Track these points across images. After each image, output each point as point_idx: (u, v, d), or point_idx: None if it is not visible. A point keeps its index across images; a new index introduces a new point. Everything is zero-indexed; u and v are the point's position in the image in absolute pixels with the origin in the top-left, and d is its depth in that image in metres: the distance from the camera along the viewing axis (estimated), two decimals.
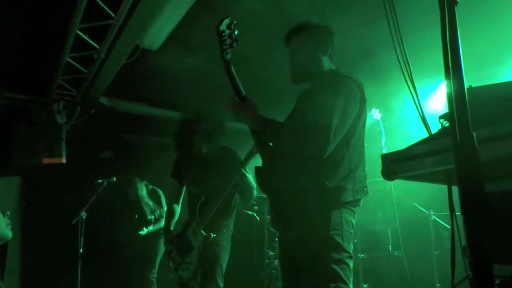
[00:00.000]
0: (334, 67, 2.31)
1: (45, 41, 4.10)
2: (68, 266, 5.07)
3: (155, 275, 5.02)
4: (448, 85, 0.81)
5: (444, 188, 1.56)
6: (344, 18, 3.43)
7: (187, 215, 3.50)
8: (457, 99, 0.79)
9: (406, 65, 1.59)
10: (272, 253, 4.87)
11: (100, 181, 5.07)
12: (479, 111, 1.07)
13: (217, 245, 3.28)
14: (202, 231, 3.22)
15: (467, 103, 0.80)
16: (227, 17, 2.18)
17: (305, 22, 2.31)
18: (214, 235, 3.23)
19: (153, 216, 5.18)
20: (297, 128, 2.09)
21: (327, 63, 2.29)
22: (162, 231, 5.02)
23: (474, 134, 0.79)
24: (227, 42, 2.16)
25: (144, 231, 5.05)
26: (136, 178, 5.32)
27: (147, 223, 5.14)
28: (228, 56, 2.18)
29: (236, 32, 2.17)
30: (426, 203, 4.61)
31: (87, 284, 4.96)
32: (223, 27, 2.15)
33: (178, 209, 3.61)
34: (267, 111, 2.29)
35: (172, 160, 3.72)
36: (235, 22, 2.18)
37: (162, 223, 5.03)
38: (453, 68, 0.79)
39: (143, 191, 5.28)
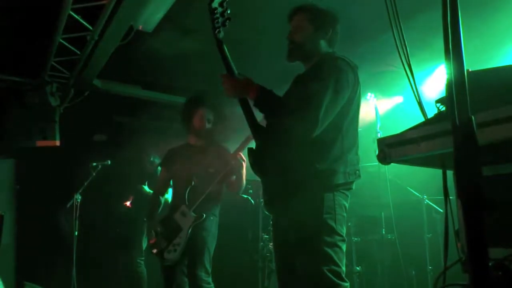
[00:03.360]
0: (331, 51, 2.30)
1: (38, 22, 4.03)
2: (63, 249, 5.08)
3: (143, 257, 5.04)
4: (448, 68, 0.81)
5: (437, 172, 1.56)
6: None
7: (172, 201, 3.52)
8: (457, 82, 0.79)
9: (404, 48, 1.58)
10: (267, 236, 4.90)
11: (94, 164, 5.06)
12: (476, 95, 1.07)
13: (204, 230, 3.30)
14: (193, 213, 3.24)
15: (467, 86, 0.79)
16: None
17: (311, 4, 2.32)
18: (205, 215, 3.26)
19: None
20: (288, 107, 2.09)
21: (324, 46, 2.29)
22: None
23: (473, 117, 0.79)
24: (219, 21, 2.14)
25: (146, 187, 5.07)
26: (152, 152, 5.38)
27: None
28: (221, 35, 2.15)
29: (228, 11, 2.14)
30: (419, 187, 4.64)
31: (82, 267, 4.98)
32: (215, 4, 2.12)
33: (162, 200, 3.63)
34: None
35: (165, 142, 3.73)
36: (227, 0, 2.15)
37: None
38: (453, 50, 0.79)
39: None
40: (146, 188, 5.15)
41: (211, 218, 3.38)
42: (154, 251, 3.31)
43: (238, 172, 3.24)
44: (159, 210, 3.62)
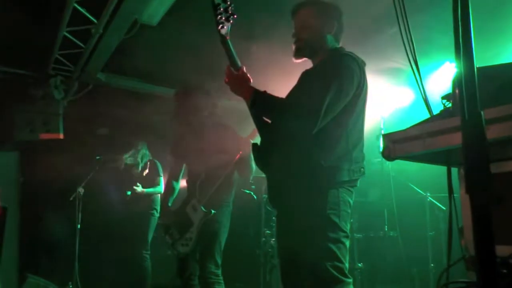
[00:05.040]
0: (338, 46, 2.29)
1: (43, 15, 4.03)
2: (66, 242, 5.10)
3: (148, 251, 5.05)
4: (458, 63, 0.80)
5: (440, 170, 1.56)
6: None
7: (186, 192, 3.52)
8: (467, 77, 0.78)
9: (410, 45, 1.58)
10: (269, 232, 4.91)
11: (98, 157, 5.07)
12: (483, 91, 1.06)
13: (216, 222, 3.29)
14: (202, 207, 3.24)
15: (477, 81, 0.79)
16: None
17: None
18: (214, 211, 3.25)
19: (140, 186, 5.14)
20: (289, 102, 2.08)
21: (331, 41, 2.27)
22: (155, 206, 5.08)
23: (482, 113, 0.79)
24: (223, 16, 2.13)
25: (139, 187, 5.01)
26: (139, 142, 5.32)
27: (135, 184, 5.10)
28: (224, 31, 2.14)
29: (232, 6, 2.13)
30: (422, 184, 4.63)
31: (85, 260, 5.00)
32: (218, 0, 2.11)
33: (177, 186, 3.62)
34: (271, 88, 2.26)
35: (170, 137, 3.72)
36: None
37: (158, 189, 5.06)
38: (463, 45, 0.78)
39: (142, 157, 5.27)
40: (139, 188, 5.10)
41: (224, 209, 3.36)
42: (169, 242, 3.34)
43: (247, 157, 3.20)
44: (174, 196, 3.62)
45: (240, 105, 2.51)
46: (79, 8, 3.74)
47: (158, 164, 5.37)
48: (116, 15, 3.79)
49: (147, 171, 5.19)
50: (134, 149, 5.27)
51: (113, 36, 4.17)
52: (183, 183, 3.70)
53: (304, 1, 2.31)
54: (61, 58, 4.72)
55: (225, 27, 2.13)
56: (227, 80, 2.21)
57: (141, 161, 5.26)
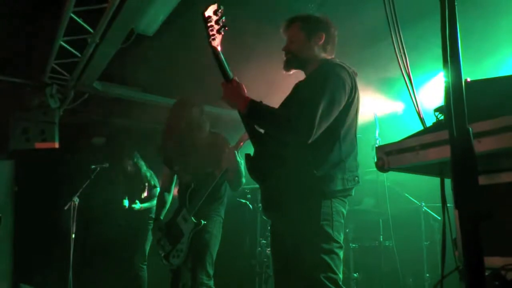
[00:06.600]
0: (328, 57, 2.31)
1: (39, 24, 4.04)
2: (60, 252, 5.06)
3: (145, 262, 5.02)
4: (446, 78, 0.81)
5: (436, 180, 1.56)
6: (342, 5, 3.42)
7: (178, 203, 3.50)
8: (454, 92, 0.79)
9: (403, 57, 1.59)
10: (264, 241, 4.89)
11: (93, 166, 5.05)
12: (474, 104, 1.07)
13: (207, 232, 3.28)
14: (193, 218, 3.22)
15: (464, 97, 0.80)
16: (213, 3, 2.16)
17: (302, 13, 2.35)
18: (205, 222, 3.23)
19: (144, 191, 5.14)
20: (284, 113, 2.09)
21: (320, 53, 2.31)
22: (151, 215, 5.05)
23: (470, 129, 0.79)
24: (214, 29, 2.15)
25: (138, 205, 5.02)
26: (135, 152, 5.33)
27: (141, 193, 5.11)
28: (215, 43, 2.16)
29: (223, 18, 2.16)
30: (417, 194, 4.64)
31: (80, 270, 4.96)
32: (209, 13, 2.14)
33: (169, 197, 3.61)
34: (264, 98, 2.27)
35: (163, 147, 3.71)
36: (221, 9, 2.16)
37: (155, 202, 5.04)
38: (451, 60, 0.79)
39: (142, 164, 5.28)
40: (125, 202, 5.09)
41: (214, 218, 3.35)
42: (162, 254, 3.33)
43: (234, 168, 3.18)
44: (167, 208, 3.60)
45: (232, 113, 2.51)
46: (75, 18, 3.75)
47: (153, 175, 5.36)
48: (112, 25, 3.81)
49: (145, 194, 5.19)
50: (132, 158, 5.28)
51: (110, 45, 4.18)
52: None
53: (292, 17, 2.36)
54: (57, 67, 4.72)
55: (216, 39, 2.16)
56: (223, 91, 2.21)
57: (146, 173, 5.26)
